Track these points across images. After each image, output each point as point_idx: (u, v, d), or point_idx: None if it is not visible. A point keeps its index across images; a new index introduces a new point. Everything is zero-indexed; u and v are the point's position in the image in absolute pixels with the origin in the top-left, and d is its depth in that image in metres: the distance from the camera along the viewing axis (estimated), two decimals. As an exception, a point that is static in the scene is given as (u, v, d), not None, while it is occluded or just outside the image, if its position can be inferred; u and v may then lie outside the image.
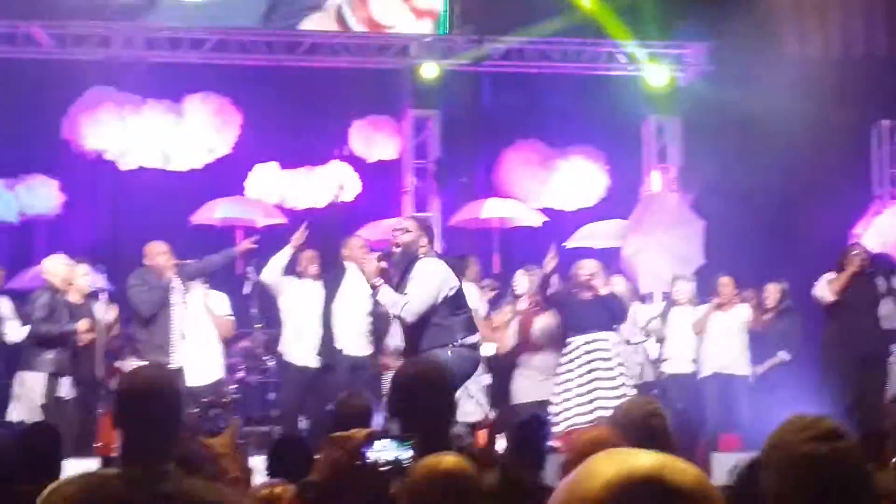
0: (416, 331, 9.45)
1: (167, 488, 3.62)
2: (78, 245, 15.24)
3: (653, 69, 16.52)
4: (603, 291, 11.99)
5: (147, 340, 12.20)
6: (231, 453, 4.43)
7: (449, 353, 9.22)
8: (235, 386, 13.29)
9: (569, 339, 11.96)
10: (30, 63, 15.71)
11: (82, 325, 11.87)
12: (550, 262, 12.03)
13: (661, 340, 13.55)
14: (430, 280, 9.40)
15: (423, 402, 4.90)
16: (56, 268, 12.14)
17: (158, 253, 12.32)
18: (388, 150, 16.88)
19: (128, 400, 3.93)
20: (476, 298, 12.40)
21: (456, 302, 9.48)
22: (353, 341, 12.38)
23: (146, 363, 9.95)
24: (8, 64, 15.65)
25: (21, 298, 13.23)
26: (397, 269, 9.57)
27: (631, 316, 13.09)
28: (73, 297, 12.12)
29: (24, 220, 16.35)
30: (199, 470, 5.90)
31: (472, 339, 9.50)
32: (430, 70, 16.05)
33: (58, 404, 11.68)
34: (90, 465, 9.56)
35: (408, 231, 9.54)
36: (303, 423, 12.53)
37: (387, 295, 9.47)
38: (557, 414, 11.66)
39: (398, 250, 9.55)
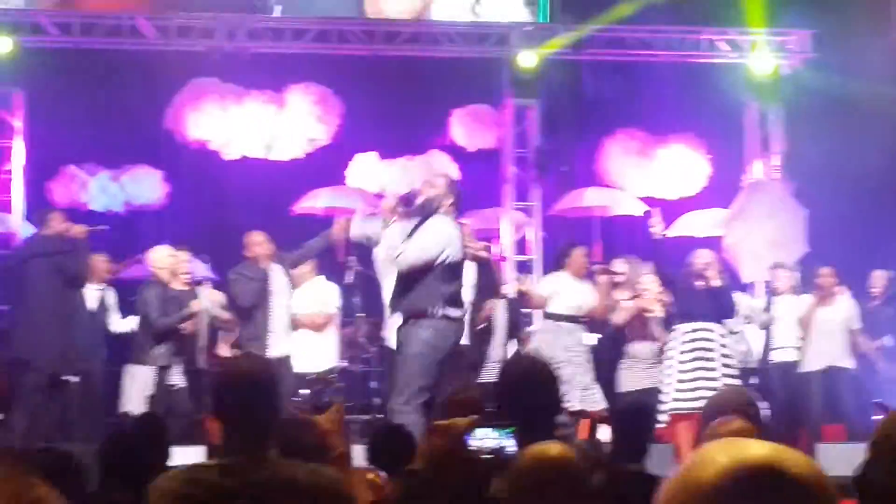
0: (403, 287, 9.46)
1: (265, 475, 3.65)
2: (182, 234, 15.42)
3: (758, 57, 16.33)
4: (715, 283, 11.81)
5: (246, 331, 12.32)
6: (336, 430, 4.44)
7: (430, 330, 9.37)
8: (337, 375, 13.36)
9: (674, 327, 11.84)
10: (134, 54, 15.90)
11: (195, 305, 12.04)
12: (658, 224, 11.88)
13: (765, 328, 13.40)
14: (435, 237, 9.38)
15: (530, 396, 4.89)
16: (162, 259, 12.31)
17: (256, 243, 12.43)
18: (489, 139, 16.87)
19: (224, 391, 3.96)
20: (548, 287, 12.36)
21: (450, 272, 9.47)
22: None
23: (242, 353, 10.05)
24: (114, 55, 15.86)
25: (126, 288, 13.45)
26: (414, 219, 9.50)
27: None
28: (178, 286, 12.28)
29: (130, 211, 16.57)
30: (303, 450, 5.96)
31: (453, 313, 9.50)
32: (529, 59, 15.98)
33: (168, 394, 11.85)
34: (197, 451, 9.68)
35: (434, 186, 9.52)
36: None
37: (390, 236, 9.47)
38: (664, 403, 11.56)
39: (420, 200, 9.50)
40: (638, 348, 12.53)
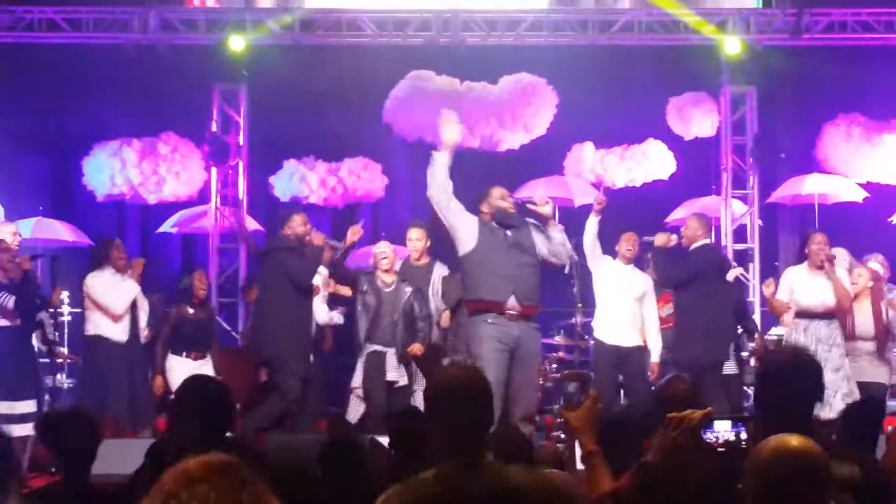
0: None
1: (486, 482, 3.65)
2: (400, 228, 15.60)
3: None
4: None
5: (452, 340, 12.27)
6: (586, 427, 4.45)
7: None
8: (556, 365, 13.39)
9: None
10: (353, 48, 16.13)
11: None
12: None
13: None
14: None
15: (789, 388, 4.80)
16: (384, 253, 12.43)
17: None
18: (705, 127, 16.66)
19: (437, 399, 4.00)
20: (784, 290, 11.96)
21: None
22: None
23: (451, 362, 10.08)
24: (332, 50, 16.11)
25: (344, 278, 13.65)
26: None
27: None
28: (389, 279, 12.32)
29: (349, 203, 16.84)
30: (518, 454, 5.98)
31: None
32: (736, 45, 15.77)
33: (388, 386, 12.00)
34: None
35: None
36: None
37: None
38: None
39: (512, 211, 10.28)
40: (854, 343, 11.82)
